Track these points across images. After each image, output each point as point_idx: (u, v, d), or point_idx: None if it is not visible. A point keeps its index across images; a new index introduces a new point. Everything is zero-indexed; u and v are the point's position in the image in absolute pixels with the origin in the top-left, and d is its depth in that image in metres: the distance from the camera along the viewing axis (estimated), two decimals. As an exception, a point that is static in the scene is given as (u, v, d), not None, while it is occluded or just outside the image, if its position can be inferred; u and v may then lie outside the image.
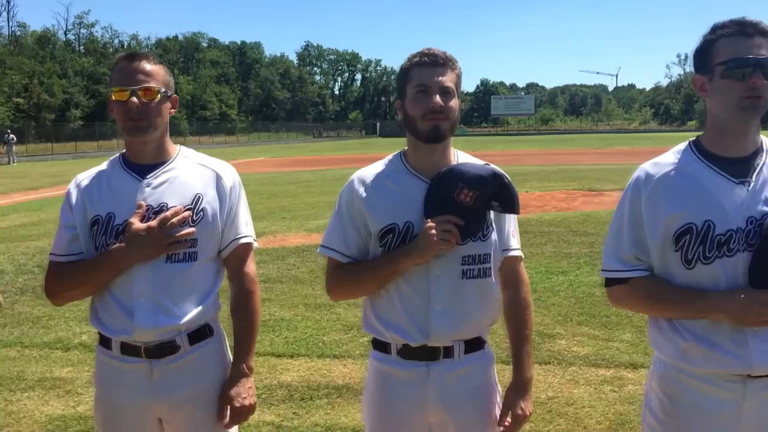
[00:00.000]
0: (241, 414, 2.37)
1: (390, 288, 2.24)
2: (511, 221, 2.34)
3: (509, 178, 2.23)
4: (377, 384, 2.34)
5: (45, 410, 4.76)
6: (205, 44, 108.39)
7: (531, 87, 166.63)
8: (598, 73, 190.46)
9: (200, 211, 2.32)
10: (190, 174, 2.37)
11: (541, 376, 5.10)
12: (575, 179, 19.75)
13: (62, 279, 2.35)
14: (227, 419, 2.37)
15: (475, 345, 2.29)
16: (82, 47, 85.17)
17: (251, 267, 2.47)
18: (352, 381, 5.13)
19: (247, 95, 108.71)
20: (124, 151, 2.43)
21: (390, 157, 2.36)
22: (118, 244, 2.25)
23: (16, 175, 29.69)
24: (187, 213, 2.29)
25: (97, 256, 2.29)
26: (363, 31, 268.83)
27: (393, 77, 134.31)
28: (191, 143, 67.84)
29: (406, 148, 2.34)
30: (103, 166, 2.43)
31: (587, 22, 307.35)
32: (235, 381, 2.38)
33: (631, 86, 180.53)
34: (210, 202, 2.34)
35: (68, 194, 2.38)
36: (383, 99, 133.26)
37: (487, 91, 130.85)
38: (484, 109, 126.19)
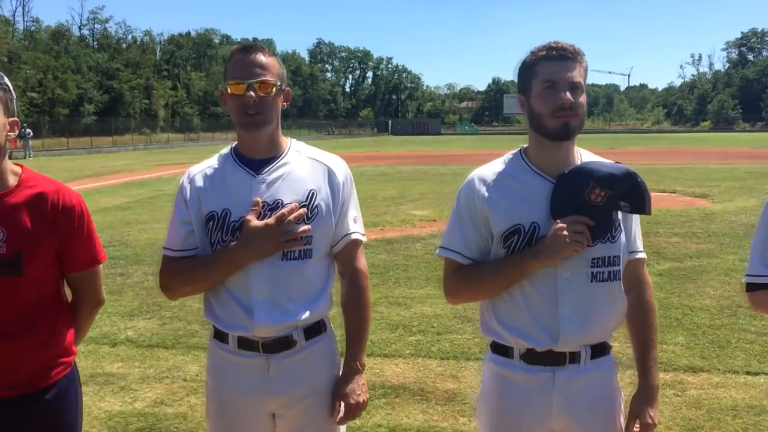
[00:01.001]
0: (355, 411, 2.35)
1: (513, 291, 2.18)
2: (636, 222, 2.28)
3: (641, 177, 2.16)
4: (497, 389, 2.27)
5: (102, 406, 4.74)
6: (217, 41, 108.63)
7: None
8: (610, 72, 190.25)
9: (315, 208, 2.27)
10: (303, 169, 2.33)
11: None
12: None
13: (178, 274, 2.33)
14: (341, 416, 2.34)
15: (600, 350, 2.23)
16: (95, 42, 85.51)
17: (362, 262, 2.43)
18: (407, 381, 5.08)
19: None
20: (234, 144, 2.39)
21: (509, 155, 2.30)
22: (235, 242, 2.22)
23: (33, 169, 29.74)
24: (303, 210, 2.24)
25: (215, 252, 2.26)
26: (374, 29, 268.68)
27: (404, 75, 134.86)
28: (204, 139, 68.14)
29: (525, 145, 2.28)
30: (214, 160, 2.39)
31: (599, 21, 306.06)
32: (349, 377, 2.35)
33: (643, 86, 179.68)
34: (324, 198, 2.30)
35: (182, 189, 2.34)
36: (394, 97, 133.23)
37: (498, 90, 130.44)
38: (496, 108, 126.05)
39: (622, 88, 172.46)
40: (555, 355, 2.16)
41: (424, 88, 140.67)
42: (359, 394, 2.35)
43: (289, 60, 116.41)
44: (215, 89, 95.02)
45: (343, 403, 2.34)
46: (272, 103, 2.26)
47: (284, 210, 2.22)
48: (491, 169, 2.27)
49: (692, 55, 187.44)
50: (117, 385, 5.12)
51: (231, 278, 2.25)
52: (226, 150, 2.40)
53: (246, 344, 2.28)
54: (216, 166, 2.35)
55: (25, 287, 2.22)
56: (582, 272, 2.14)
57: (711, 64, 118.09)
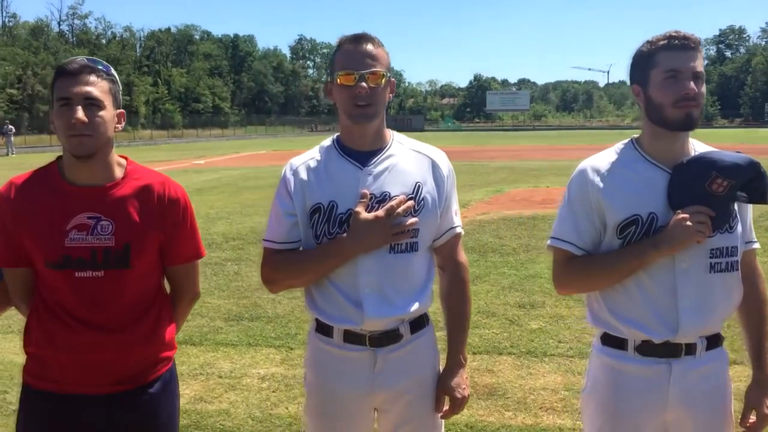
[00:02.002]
0: (461, 405, 2.34)
1: (628, 282, 2.16)
2: (749, 212, 2.28)
3: (764, 167, 2.16)
4: (609, 382, 2.25)
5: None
6: (197, 37, 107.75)
7: (523, 83, 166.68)
8: (590, 69, 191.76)
9: (421, 201, 2.25)
10: (408, 161, 2.30)
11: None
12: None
13: (284, 267, 2.29)
14: (445, 410, 2.32)
15: (715, 341, 2.22)
16: (74, 38, 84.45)
17: (463, 256, 2.42)
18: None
19: (240, 88, 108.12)
20: (337, 135, 2.35)
21: (620, 145, 2.29)
22: (343, 234, 2.18)
23: (18, 166, 29.25)
24: (411, 202, 2.22)
25: (324, 245, 2.22)
26: (356, 25, 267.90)
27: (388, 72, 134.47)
28: (188, 136, 67.66)
29: (635, 136, 2.27)
30: (315, 151, 2.35)
31: (579, 18, 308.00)
32: (454, 371, 2.34)
33: (623, 83, 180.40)
34: (430, 191, 2.28)
35: (285, 180, 2.30)
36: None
37: (480, 86, 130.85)
38: (477, 104, 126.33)
39: (602, 85, 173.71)
40: (672, 347, 2.15)
41: (406, 84, 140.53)
42: (464, 388, 2.34)
43: (270, 56, 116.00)
44: (197, 85, 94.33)
45: (448, 398, 2.32)
46: (382, 95, 2.23)
47: (393, 202, 2.19)
48: (604, 159, 2.26)
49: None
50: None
51: (337, 271, 2.22)
52: (327, 142, 2.36)
53: (352, 338, 2.24)
54: (319, 157, 2.32)
55: (132, 280, 2.18)
56: (701, 263, 2.13)
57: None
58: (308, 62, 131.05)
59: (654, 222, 2.13)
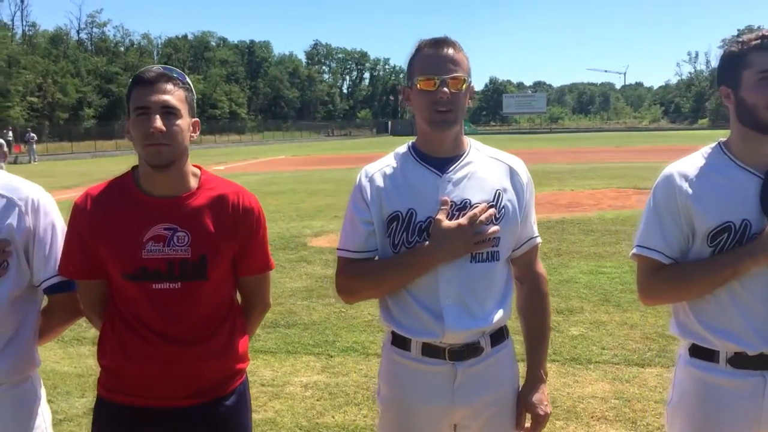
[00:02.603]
0: (543, 422, 2.26)
1: (719, 291, 2.09)
2: None
3: None
4: (699, 395, 2.18)
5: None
6: (214, 43, 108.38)
7: (538, 85, 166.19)
8: (605, 71, 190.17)
9: (502, 208, 2.19)
10: (487, 168, 2.24)
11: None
12: (615, 177, 19.62)
13: (362, 277, 2.23)
14: (527, 427, 2.26)
15: None
16: (93, 46, 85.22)
17: (541, 266, 2.36)
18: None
19: (257, 94, 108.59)
20: (412, 141, 2.30)
21: (707, 149, 2.22)
22: (424, 243, 2.13)
23: (41, 174, 29.55)
24: (492, 210, 2.16)
25: (402, 254, 2.16)
26: (371, 30, 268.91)
27: (401, 76, 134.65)
28: (207, 142, 67.91)
29: (722, 139, 2.20)
30: (390, 158, 2.29)
31: (595, 19, 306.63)
32: (535, 387, 2.27)
33: (639, 84, 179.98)
34: (510, 198, 2.22)
35: (360, 188, 2.24)
36: (391, 98, 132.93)
37: (495, 89, 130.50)
38: (493, 107, 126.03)
39: (618, 87, 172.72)
40: (767, 359, 2.08)
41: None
42: (546, 405, 2.27)
43: (286, 62, 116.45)
44: (213, 92, 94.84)
45: (529, 414, 2.26)
46: (463, 100, 2.18)
47: (475, 210, 2.13)
48: (691, 163, 2.18)
49: (689, 53, 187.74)
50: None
51: (416, 281, 2.16)
52: (403, 148, 2.30)
53: (431, 351, 2.18)
54: (395, 164, 2.26)
55: (208, 292, 2.15)
56: None
57: (708, 62, 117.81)
58: (324, 67, 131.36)
59: (747, 229, 2.05)
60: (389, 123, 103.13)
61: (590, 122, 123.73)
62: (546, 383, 2.29)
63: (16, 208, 2.17)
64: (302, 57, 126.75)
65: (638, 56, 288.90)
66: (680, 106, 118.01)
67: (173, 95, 2.07)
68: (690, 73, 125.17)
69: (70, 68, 71.74)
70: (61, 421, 4.54)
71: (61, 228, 2.27)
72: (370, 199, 2.21)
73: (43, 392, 2.33)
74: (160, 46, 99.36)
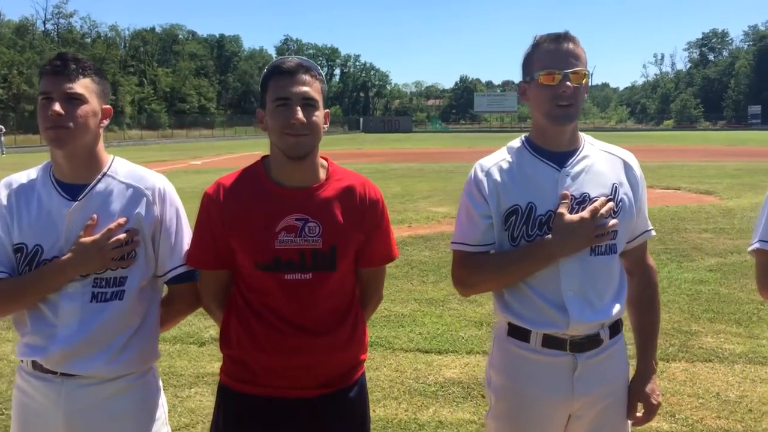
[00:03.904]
0: (654, 412, 2.33)
1: None
2: None
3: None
4: None
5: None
6: (182, 36, 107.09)
7: (507, 84, 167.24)
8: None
9: (620, 202, 2.24)
10: (602, 162, 2.29)
11: (710, 374, 5.09)
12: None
13: (480, 270, 2.26)
14: (639, 416, 2.31)
15: None
16: (59, 38, 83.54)
17: (651, 259, 2.41)
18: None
19: (226, 89, 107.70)
20: (525, 135, 2.34)
21: None
22: (545, 236, 2.16)
23: (15, 167, 28.88)
24: (612, 204, 2.20)
25: (523, 247, 2.19)
26: (342, 26, 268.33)
27: (372, 73, 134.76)
28: (178, 136, 67.29)
29: None
30: (504, 152, 2.32)
31: (562, 20, 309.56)
32: (647, 377, 2.33)
33: (605, 85, 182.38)
34: (626, 192, 2.26)
35: (477, 182, 2.27)
36: (362, 94, 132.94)
37: (465, 87, 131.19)
38: (463, 105, 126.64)
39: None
40: None
41: (392, 85, 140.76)
42: (657, 395, 2.33)
43: (256, 56, 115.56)
44: (182, 85, 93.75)
45: (642, 404, 2.31)
46: (583, 94, 2.22)
47: (596, 203, 2.18)
48: None
49: (655, 55, 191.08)
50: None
51: (536, 274, 2.19)
52: (516, 143, 2.34)
53: (552, 342, 2.21)
54: (510, 158, 2.29)
55: (335, 283, 2.16)
56: None
57: (673, 64, 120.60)
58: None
59: None
60: (360, 120, 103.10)
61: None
62: (655, 374, 2.34)
63: (144, 198, 2.16)
64: (273, 52, 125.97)
65: (605, 57, 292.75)
66: (646, 107, 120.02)
67: (312, 87, 2.08)
68: (656, 74, 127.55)
69: (36, 59, 70.14)
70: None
71: (185, 217, 2.27)
72: (488, 193, 2.24)
73: (161, 383, 2.33)
74: (127, 38, 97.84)
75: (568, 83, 2.15)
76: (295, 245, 2.10)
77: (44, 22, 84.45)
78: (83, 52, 78.38)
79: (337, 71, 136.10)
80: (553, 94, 2.16)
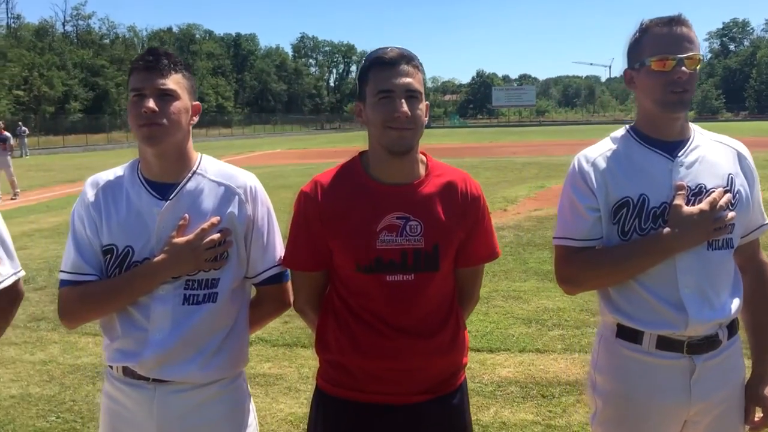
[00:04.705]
0: None
1: None
2: None
3: None
4: None
5: (282, 408, 4.57)
6: (199, 36, 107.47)
7: (524, 78, 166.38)
8: (591, 64, 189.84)
9: (736, 193, 2.11)
10: (715, 152, 2.16)
11: None
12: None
13: (590, 266, 2.13)
14: (756, 420, 2.19)
15: None
16: (77, 39, 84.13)
17: (764, 255, 2.27)
18: (578, 376, 4.92)
19: (243, 87, 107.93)
20: (629, 125, 2.22)
21: None
22: (661, 230, 2.04)
23: (38, 168, 29.18)
24: (729, 195, 2.07)
25: (638, 242, 2.07)
26: (358, 23, 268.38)
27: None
28: (198, 135, 67.31)
29: None
30: (608, 142, 2.20)
31: (580, 12, 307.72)
32: (765, 380, 2.20)
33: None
34: (742, 183, 2.14)
35: (582, 174, 2.15)
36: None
37: (483, 82, 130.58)
38: (480, 100, 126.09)
39: (603, 80, 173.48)
40: None
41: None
42: None
43: (272, 55, 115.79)
44: (200, 84, 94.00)
45: (760, 407, 2.19)
46: (696, 80, 2.09)
47: (714, 194, 2.05)
48: None
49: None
50: (281, 386, 4.94)
51: (649, 271, 2.07)
52: (620, 132, 2.22)
53: (667, 344, 2.08)
54: (615, 148, 2.17)
55: (437, 283, 2.06)
56: None
57: (626, 54, 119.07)
58: (310, 60, 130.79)
59: None
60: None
61: (577, 115, 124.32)
62: None
63: (236, 197, 2.08)
64: (289, 50, 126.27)
65: (623, 49, 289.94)
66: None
67: (414, 78, 1.98)
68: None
69: (56, 61, 70.76)
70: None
71: (275, 217, 2.18)
72: (596, 186, 2.12)
73: (249, 388, 2.24)
74: (145, 38, 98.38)
75: (684, 69, 2.03)
76: (397, 245, 1.99)
77: (63, 24, 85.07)
78: (102, 53, 79.06)
79: (354, 68, 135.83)
80: (666, 80, 2.04)
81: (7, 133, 18.26)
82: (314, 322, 2.20)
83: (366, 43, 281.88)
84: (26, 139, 39.31)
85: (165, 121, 1.97)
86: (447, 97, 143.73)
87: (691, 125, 2.21)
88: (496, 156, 27.49)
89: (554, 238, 2.22)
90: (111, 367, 2.10)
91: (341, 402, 2.08)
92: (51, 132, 56.08)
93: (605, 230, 2.13)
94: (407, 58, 1.99)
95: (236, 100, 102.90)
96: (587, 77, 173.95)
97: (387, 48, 2.01)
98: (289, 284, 2.23)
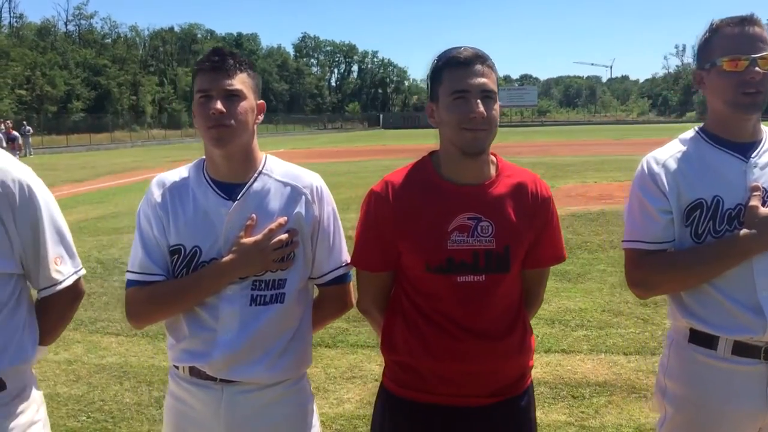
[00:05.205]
0: None
1: None
2: None
3: None
4: None
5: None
6: (201, 36, 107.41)
7: (525, 78, 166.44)
8: (592, 64, 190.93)
9: None
10: None
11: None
12: (631, 169, 19.50)
13: (664, 270, 2.12)
14: None
15: None
16: (79, 38, 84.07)
17: None
18: (610, 379, 4.91)
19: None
20: (699, 126, 2.20)
21: None
22: (736, 231, 2.02)
23: (42, 167, 29.08)
24: None
25: (713, 245, 2.06)
26: (359, 23, 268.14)
27: (390, 68, 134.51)
28: (200, 136, 67.29)
29: None
30: (678, 144, 2.19)
31: (581, 12, 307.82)
32: None
33: (625, 77, 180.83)
34: None
35: (652, 176, 2.13)
36: (380, 90, 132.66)
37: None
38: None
39: (604, 80, 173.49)
40: None
41: (410, 81, 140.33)
42: None
43: (274, 54, 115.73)
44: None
45: None
46: None
47: None
48: None
49: (676, 46, 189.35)
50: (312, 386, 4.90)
51: (725, 274, 2.04)
52: (690, 134, 2.21)
53: (744, 349, 2.06)
54: (685, 149, 2.16)
55: (507, 285, 2.05)
56: None
57: (695, 55, 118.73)
58: (312, 60, 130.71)
59: None
60: (380, 116, 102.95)
61: (578, 115, 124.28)
62: None
63: (303, 197, 2.07)
64: (290, 50, 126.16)
65: (624, 49, 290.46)
66: (668, 99, 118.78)
67: (489, 78, 1.96)
68: (677, 66, 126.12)
69: (58, 60, 70.70)
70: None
71: (338, 217, 2.17)
72: (668, 188, 2.10)
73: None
74: (147, 38, 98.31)
75: (757, 69, 2.01)
76: (468, 245, 1.98)
77: (66, 24, 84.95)
78: (104, 52, 79.03)
79: (355, 68, 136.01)
80: (738, 81, 2.02)
81: (16, 133, 18.30)
82: (379, 323, 2.19)
83: (367, 43, 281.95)
84: (30, 139, 39.26)
85: (233, 122, 1.96)
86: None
87: (763, 127, 2.19)
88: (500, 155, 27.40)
89: (623, 241, 2.20)
90: (177, 367, 2.08)
91: (408, 403, 2.07)
92: (54, 131, 56.04)
93: (677, 233, 2.11)
94: (482, 57, 1.97)
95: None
96: (588, 77, 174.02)
97: (460, 47, 2.00)
98: (351, 285, 2.22)
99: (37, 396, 2.03)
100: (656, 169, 2.14)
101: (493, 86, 1.96)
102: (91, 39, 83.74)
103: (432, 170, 2.06)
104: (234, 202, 2.01)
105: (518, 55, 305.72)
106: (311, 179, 2.11)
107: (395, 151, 33.28)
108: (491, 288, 2.00)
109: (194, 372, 2.03)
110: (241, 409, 2.02)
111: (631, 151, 28.88)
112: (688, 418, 2.16)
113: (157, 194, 2.06)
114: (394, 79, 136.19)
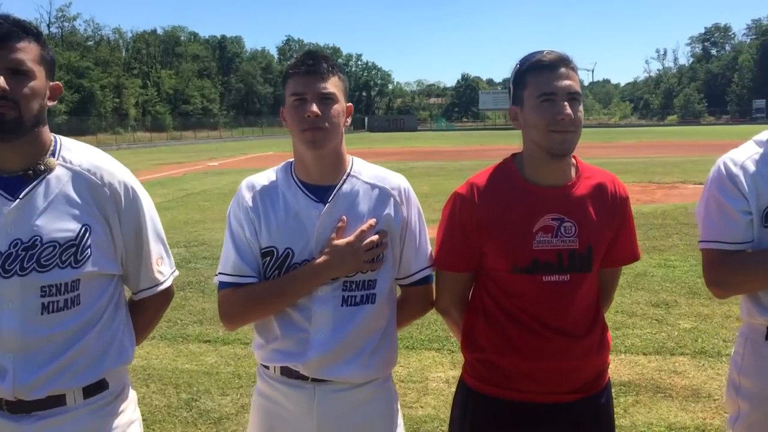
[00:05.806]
0: None
1: None
2: None
3: None
4: None
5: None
6: (184, 38, 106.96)
7: (508, 82, 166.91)
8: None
9: None
10: None
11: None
12: (626, 172, 19.69)
13: (746, 270, 2.15)
14: None
15: None
16: (62, 41, 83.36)
17: None
18: (633, 378, 4.97)
19: (229, 90, 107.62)
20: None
21: None
22: None
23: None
24: None
25: None
26: (344, 26, 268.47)
27: (374, 72, 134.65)
28: (186, 138, 67.01)
29: None
30: (753, 146, 2.21)
31: (562, 17, 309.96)
32: None
33: (607, 81, 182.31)
34: None
35: (731, 177, 2.15)
36: (365, 94, 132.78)
37: (467, 85, 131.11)
38: (466, 103, 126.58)
39: (586, 83, 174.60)
40: None
41: (394, 84, 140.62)
42: None
43: (258, 57, 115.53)
44: (186, 87, 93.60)
45: None
46: None
47: None
48: None
49: (657, 50, 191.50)
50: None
51: None
52: (765, 135, 2.21)
53: None
54: (762, 151, 2.18)
55: (588, 283, 2.11)
56: None
57: (676, 59, 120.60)
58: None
59: None
60: (365, 119, 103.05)
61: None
62: None
63: (391, 198, 2.10)
64: (275, 52, 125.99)
65: (606, 53, 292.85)
66: (649, 102, 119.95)
67: (574, 80, 2.01)
68: (658, 69, 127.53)
69: (42, 63, 69.92)
70: (218, 420, 4.42)
71: (423, 218, 2.20)
72: (747, 189, 2.14)
73: None
74: (130, 40, 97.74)
75: None
76: (552, 246, 2.03)
77: (48, 26, 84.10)
78: (87, 54, 78.44)
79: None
80: None
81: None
82: (458, 323, 2.23)
83: (351, 46, 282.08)
84: (15, 142, 38.81)
85: (327, 124, 1.99)
86: (432, 101, 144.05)
87: None
88: (490, 158, 27.57)
89: (701, 241, 2.23)
90: (267, 367, 2.11)
91: (491, 400, 2.12)
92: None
93: (756, 234, 2.15)
94: (566, 60, 2.02)
95: (222, 103, 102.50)
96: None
97: (543, 51, 2.04)
98: (434, 284, 2.26)
99: (132, 395, 2.04)
100: (735, 170, 2.17)
101: (578, 88, 2.01)
102: (74, 41, 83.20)
103: (516, 172, 2.11)
104: (324, 204, 2.04)
105: (501, 58, 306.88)
106: (398, 181, 2.14)
107: (382, 154, 33.36)
108: (575, 287, 2.05)
109: (285, 371, 2.06)
110: (333, 408, 2.05)
111: (621, 154, 29.26)
112: (765, 415, 2.20)
113: (247, 197, 2.09)
114: (379, 82, 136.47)
